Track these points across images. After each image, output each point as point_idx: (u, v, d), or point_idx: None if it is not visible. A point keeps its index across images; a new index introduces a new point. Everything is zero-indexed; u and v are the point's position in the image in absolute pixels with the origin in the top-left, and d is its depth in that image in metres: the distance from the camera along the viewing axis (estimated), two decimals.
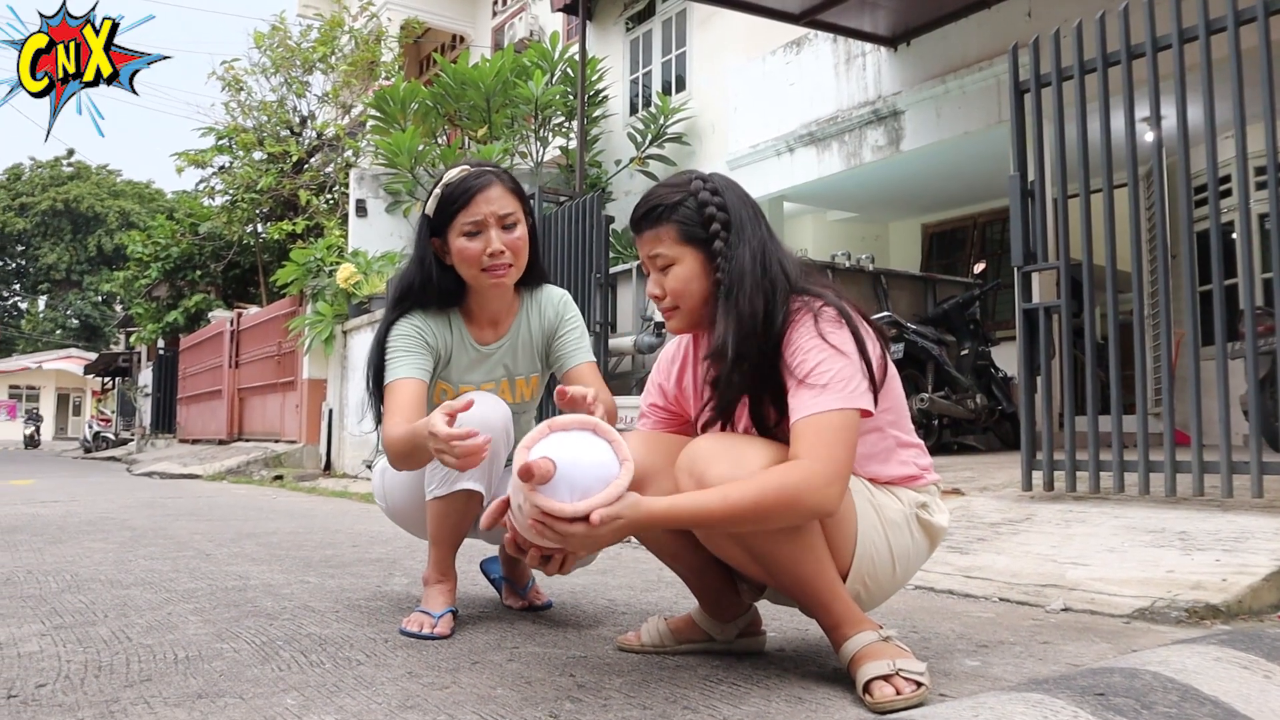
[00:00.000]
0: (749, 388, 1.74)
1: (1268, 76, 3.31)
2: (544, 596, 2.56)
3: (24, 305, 49.83)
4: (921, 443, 1.92)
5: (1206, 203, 7.55)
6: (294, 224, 13.87)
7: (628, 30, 12.43)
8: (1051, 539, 3.31)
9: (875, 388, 1.68)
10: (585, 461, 1.53)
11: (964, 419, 7.35)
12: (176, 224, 17.71)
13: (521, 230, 2.20)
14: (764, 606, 2.11)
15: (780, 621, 2.35)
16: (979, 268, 8.12)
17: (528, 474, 1.48)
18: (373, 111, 11.73)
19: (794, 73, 9.76)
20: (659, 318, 6.82)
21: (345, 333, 10.73)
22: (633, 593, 2.82)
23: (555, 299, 2.39)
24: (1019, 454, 4.03)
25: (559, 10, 12.44)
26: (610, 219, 6.40)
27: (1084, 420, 3.85)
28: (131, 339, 22.26)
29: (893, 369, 1.81)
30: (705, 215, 1.75)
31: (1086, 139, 3.84)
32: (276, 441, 12.39)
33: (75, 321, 48.73)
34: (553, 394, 2.39)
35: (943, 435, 7.47)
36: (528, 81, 10.60)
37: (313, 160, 15.13)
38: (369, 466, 9.54)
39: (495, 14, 17.43)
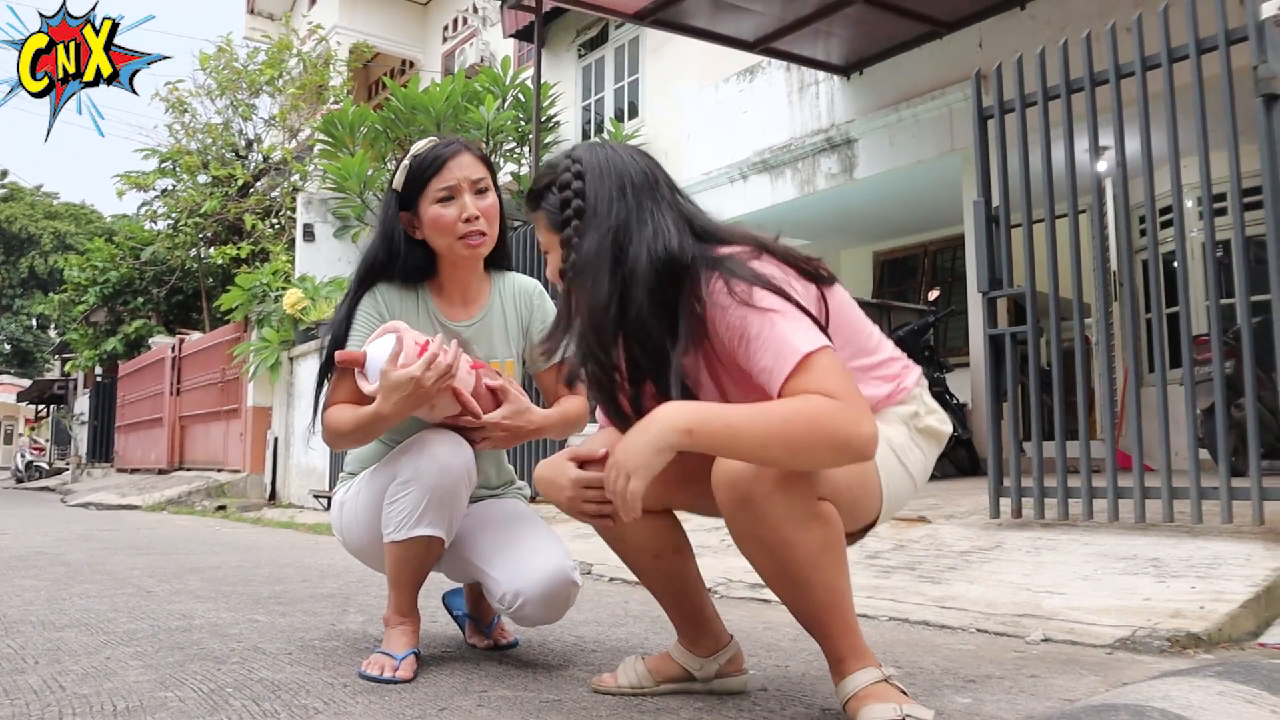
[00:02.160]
0: (644, 371, 1.66)
1: (1229, 103, 3.33)
2: (510, 635, 2.44)
3: None
4: (887, 351, 1.78)
5: (1162, 229, 7.67)
6: (239, 248, 13.60)
7: (580, 57, 12.41)
8: (1023, 567, 3.26)
9: (822, 325, 1.57)
10: (376, 355, 1.98)
11: None
12: (116, 247, 17.29)
13: (493, 198, 2.16)
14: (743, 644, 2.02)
15: (758, 658, 2.26)
16: (933, 294, 8.17)
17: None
18: (321, 135, 11.56)
19: (747, 100, 9.79)
20: None
21: (292, 359, 10.50)
22: (600, 628, 2.71)
23: (530, 289, 2.34)
24: (979, 480, 4.01)
25: (511, 36, 12.38)
26: None
27: (1049, 445, 3.83)
28: (67, 366, 21.64)
29: (838, 297, 1.70)
30: (562, 201, 1.67)
31: (1051, 167, 3.83)
32: (219, 470, 12.06)
33: (7, 347, 47.34)
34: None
35: None
36: (479, 107, 10.51)
37: (259, 184, 14.86)
38: (316, 498, 9.30)
39: (446, 39, 17.35)
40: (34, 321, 43.31)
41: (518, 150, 11.30)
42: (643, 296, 1.59)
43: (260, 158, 15.01)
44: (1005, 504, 3.87)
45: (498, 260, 2.31)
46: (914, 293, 11.06)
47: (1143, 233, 8.23)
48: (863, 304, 8.50)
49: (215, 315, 13.45)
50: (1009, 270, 3.87)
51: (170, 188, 16.07)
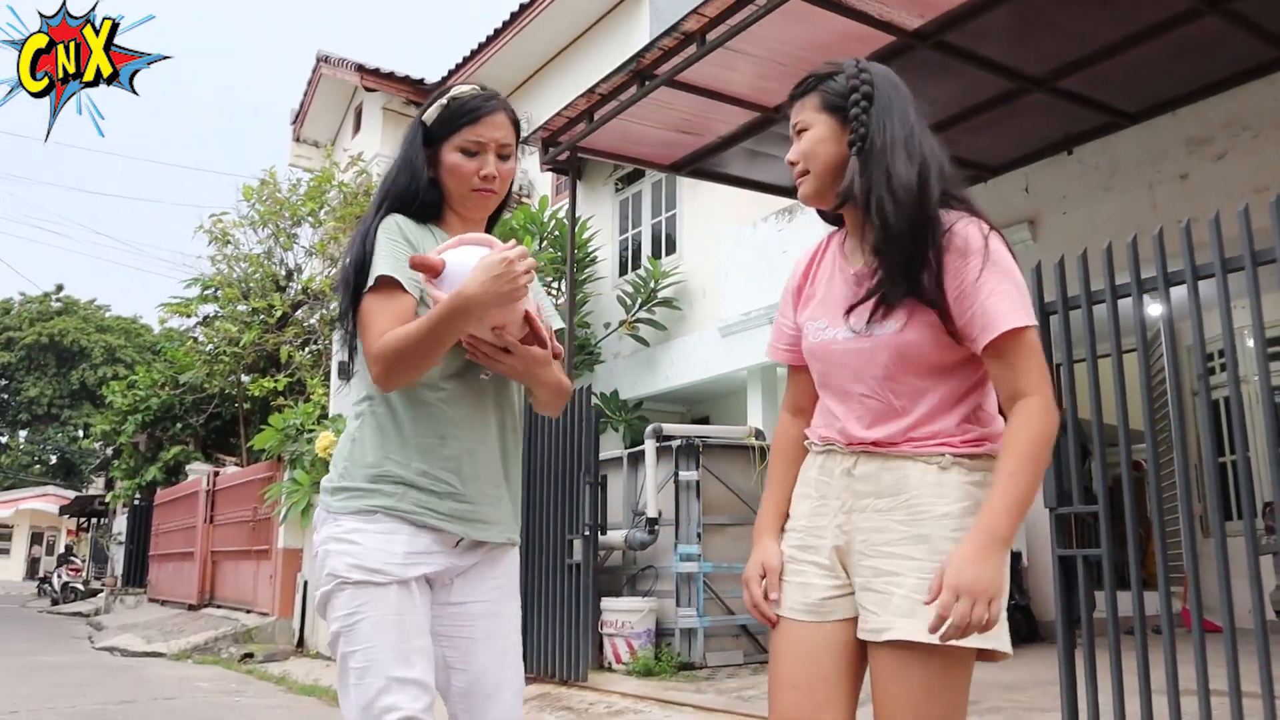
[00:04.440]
0: (906, 265, 1.73)
1: None
2: None
3: (4, 439, 49.05)
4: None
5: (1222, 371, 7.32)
6: (276, 381, 13.56)
7: (617, 191, 12.41)
8: None
9: None
10: (459, 267, 1.82)
11: None
12: (159, 373, 17.40)
13: (513, 164, 2.14)
14: None
15: None
16: None
17: (416, 264, 1.84)
18: None
19: (787, 239, 9.61)
20: (651, 512, 6.41)
21: None
22: None
23: None
24: (1041, 654, 3.63)
25: (548, 170, 12.41)
26: (599, 413, 6.07)
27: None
28: (108, 497, 21.69)
29: None
30: (848, 86, 1.82)
31: (1118, 335, 3.54)
32: (248, 612, 11.77)
33: (53, 458, 47.94)
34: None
35: None
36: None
37: (297, 313, 14.91)
38: None
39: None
40: (81, 432, 43.89)
41: (555, 285, 11.19)
42: (936, 193, 1.75)
43: (299, 288, 15.08)
44: None
45: (494, 221, 2.24)
46: None
47: (1213, 370, 7.89)
48: None
49: (251, 450, 13.35)
50: (1081, 484, 3.54)
51: (212, 315, 16.20)
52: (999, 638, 1.67)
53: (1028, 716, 4.33)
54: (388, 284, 1.90)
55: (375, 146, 17.33)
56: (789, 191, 8.20)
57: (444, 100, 2.06)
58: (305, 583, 10.55)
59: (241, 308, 14.96)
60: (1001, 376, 1.70)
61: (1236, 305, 3.61)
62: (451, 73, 15.84)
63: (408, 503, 1.90)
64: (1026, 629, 7.52)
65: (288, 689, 7.95)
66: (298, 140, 19.86)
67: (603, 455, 6.60)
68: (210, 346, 15.70)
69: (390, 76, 16.37)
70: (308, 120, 19.37)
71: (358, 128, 18.66)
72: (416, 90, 16.47)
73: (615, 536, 6.54)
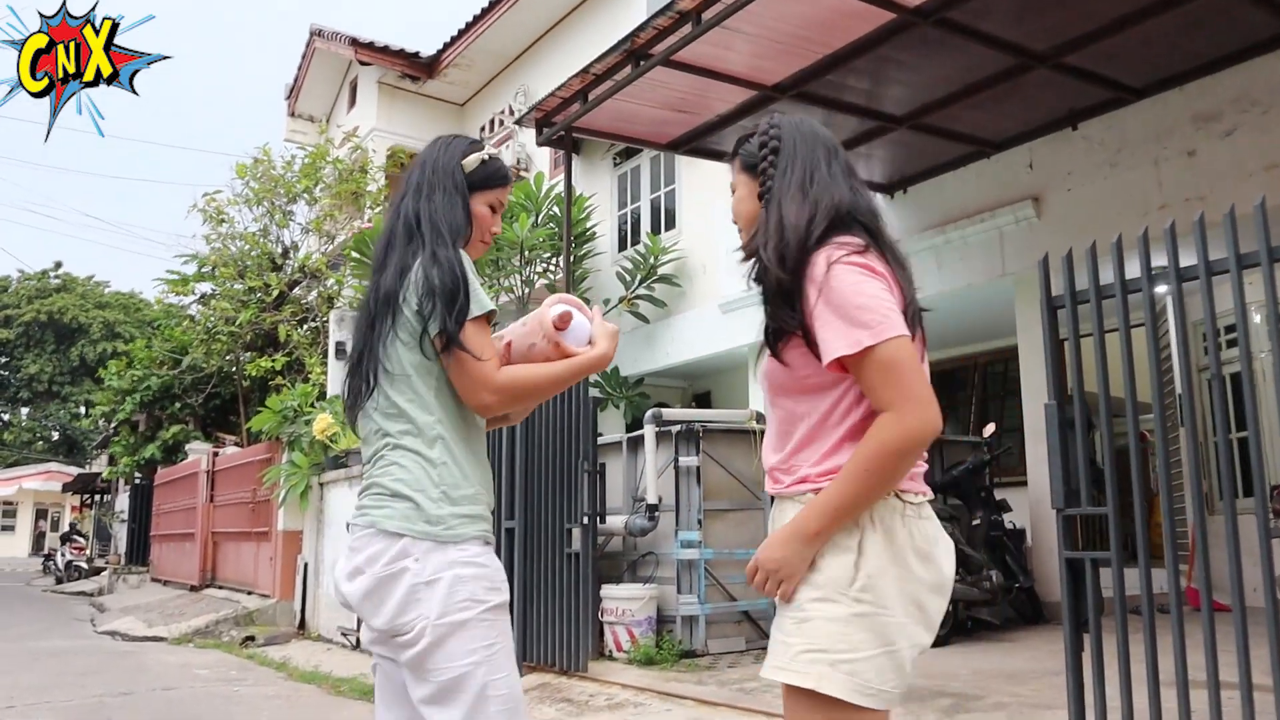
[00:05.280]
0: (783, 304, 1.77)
1: None
2: None
3: (6, 417, 49.07)
4: None
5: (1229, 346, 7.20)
6: (273, 360, 13.48)
7: (615, 165, 12.25)
8: None
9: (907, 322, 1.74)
10: (581, 324, 2.10)
11: (979, 601, 6.82)
12: (157, 350, 17.30)
13: None
14: None
15: None
16: (988, 430, 7.67)
17: (563, 320, 2.05)
18: (355, 253, 11.44)
19: None
20: (651, 498, 6.34)
21: (322, 485, 10.22)
22: None
23: None
24: (1047, 637, 3.55)
25: (544, 145, 12.26)
26: (597, 401, 5.97)
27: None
28: (105, 472, 21.66)
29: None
30: (759, 144, 1.91)
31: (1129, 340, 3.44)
32: (249, 594, 11.75)
33: (55, 434, 47.95)
34: None
35: (957, 613, 6.92)
36: (512, 224, 10.31)
37: (294, 291, 14.79)
38: (345, 635, 8.92)
39: (483, 140, 17.32)
40: (83, 409, 43.91)
41: (554, 263, 11.07)
42: (819, 233, 1.79)
43: (296, 266, 14.94)
44: None
45: None
46: (963, 407, 10.60)
47: (1221, 345, 7.77)
48: None
49: (250, 430, 13.30)
50: (1089, 483, 3.45)
51: (209, 293, 16.09)
52: (845, 687, 1.65)
53: (1033, 714, 4.27)
54: (489, 319, 2.03)
55: (371, 121, 17.13)
56: None
57: (484, 156, 2.18)
58: (305, 565, 10.52)
59: (238, 286, 14.83)
60: (865, 391, 1.73)
61: (1249, 282, 3.51)
62: (448, 45, 15.62)
63: (488, 524, 2.03)
64: (1031, 610, 7.47)
65: (288, 675, 7.92)
66: (293, 115, 19.61)
67: (601, 440, 6.53)
68: (209, 324, 15.60)
69: (385, 50, 16.12)
70: (302, 94, 19.12)
71: (353, 102, 18.44)
72: (412, 64, 16.23)
73: (615, 522, 6.48)
